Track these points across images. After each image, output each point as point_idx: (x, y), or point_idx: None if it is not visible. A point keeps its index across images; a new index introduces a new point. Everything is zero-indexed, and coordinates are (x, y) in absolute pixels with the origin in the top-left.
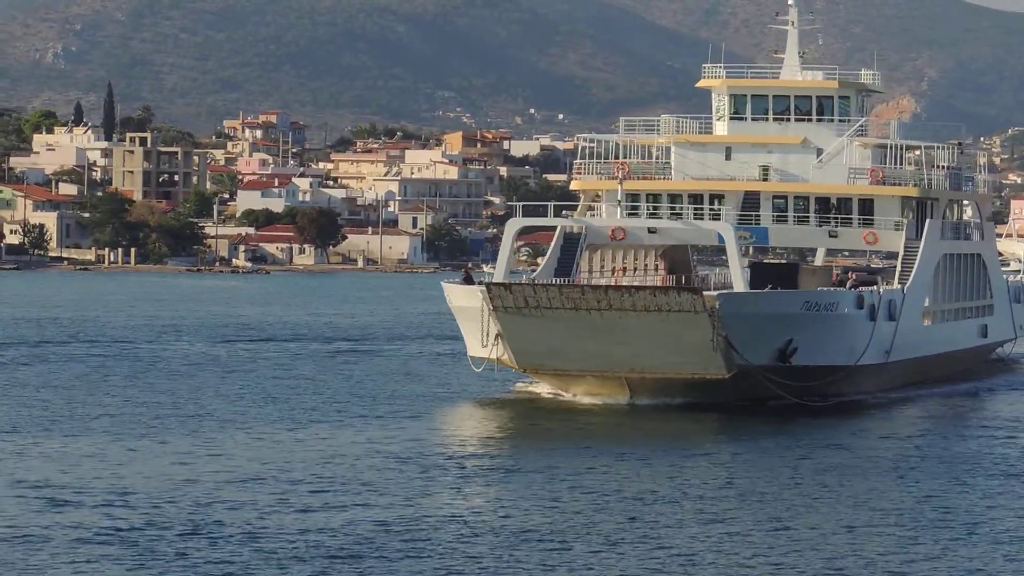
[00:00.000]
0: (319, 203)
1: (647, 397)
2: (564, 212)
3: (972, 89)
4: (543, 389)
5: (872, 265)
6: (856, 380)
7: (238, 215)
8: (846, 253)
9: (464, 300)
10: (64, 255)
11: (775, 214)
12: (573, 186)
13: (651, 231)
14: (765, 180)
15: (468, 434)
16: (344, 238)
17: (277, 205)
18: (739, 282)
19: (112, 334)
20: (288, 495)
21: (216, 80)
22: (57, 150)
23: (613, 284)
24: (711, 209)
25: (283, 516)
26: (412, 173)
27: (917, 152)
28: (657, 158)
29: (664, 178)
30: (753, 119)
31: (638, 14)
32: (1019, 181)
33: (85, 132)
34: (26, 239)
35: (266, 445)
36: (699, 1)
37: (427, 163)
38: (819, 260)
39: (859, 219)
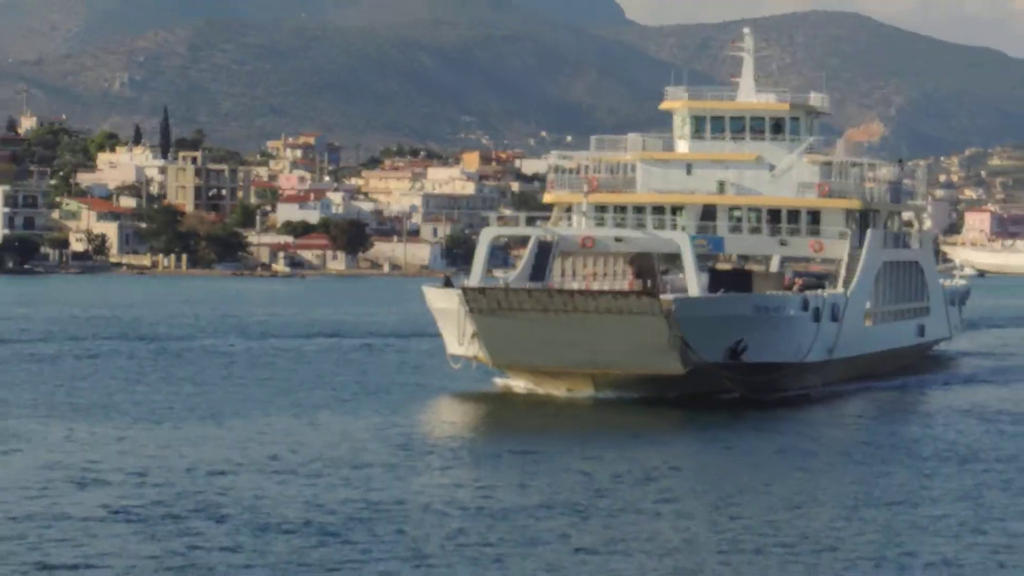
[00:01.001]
0: (350, 215)
1: (610, 392)
2: (538, 222)
3: (934, 115)
4: (518, 384)
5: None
6: (802, 376)
7: (278, 225)
8: (819, 260)
9: (442, 302)
10: (123, 261)
11: (731, 224)
12: (546, 199)
13: (617, 240)
14: (722, 193)
15: (445, 424)
16: (372, 246)
17: (313, 216)
18: (693, 287)
19: (156, 331)
20: (281, 478)
21: (264, 106)
22: (119, 167)
23: (578, 288)
24: (672, 220)
25: (276, 497)
26: (434, 188)
27: (860, 168)
28: (624, 173)
29: (630, 191)
30: (712, 138)
31: (638, 49)
32: (974, 196)
33: (143, 151)
34: (90, 246)
35: (266, 433)
36: (692, 37)
37: (447, 179)
38: (774, 267)
39: (807, 229)
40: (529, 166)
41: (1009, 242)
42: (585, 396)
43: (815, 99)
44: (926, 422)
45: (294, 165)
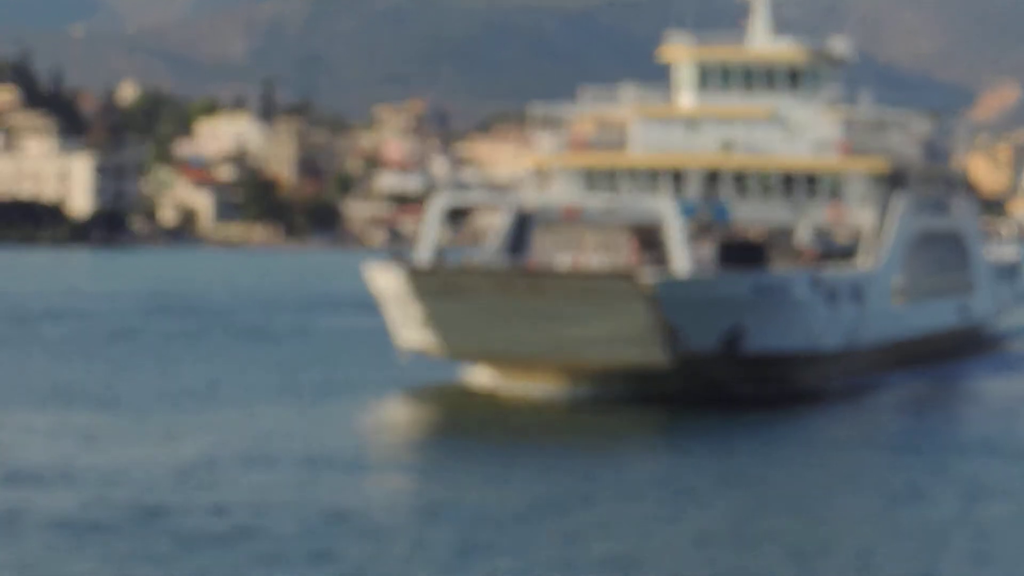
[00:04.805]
0: (454, 183)
1: (587, 387)
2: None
3: None
4: (484, 378)
5: None
6: (816, 367)
7: (380, 195)
8: (839, 230)
9: (386, 283)
10: (214, 233)
11: (737, 189)
12: (524, 160)
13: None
14: (728, 153)
15: (400, 424)
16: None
17: (415, 186)
18: (681, 263)
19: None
20: (230, 476)
21: (383, 73)
22: (218, 136)
23: (542, 266)
24: (673, 185)
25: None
26: None
27: (889, 124)
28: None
29: (622, 151)
30: (719, 90)
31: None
32: None
33: (245, 119)
34: (181, 218)
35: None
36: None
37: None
38: (803, 238)
39: (827, 194)
40: None
41: None
42: (559, 392)
43: (838, 45)
44: (969, 416)
45: (401, 132)
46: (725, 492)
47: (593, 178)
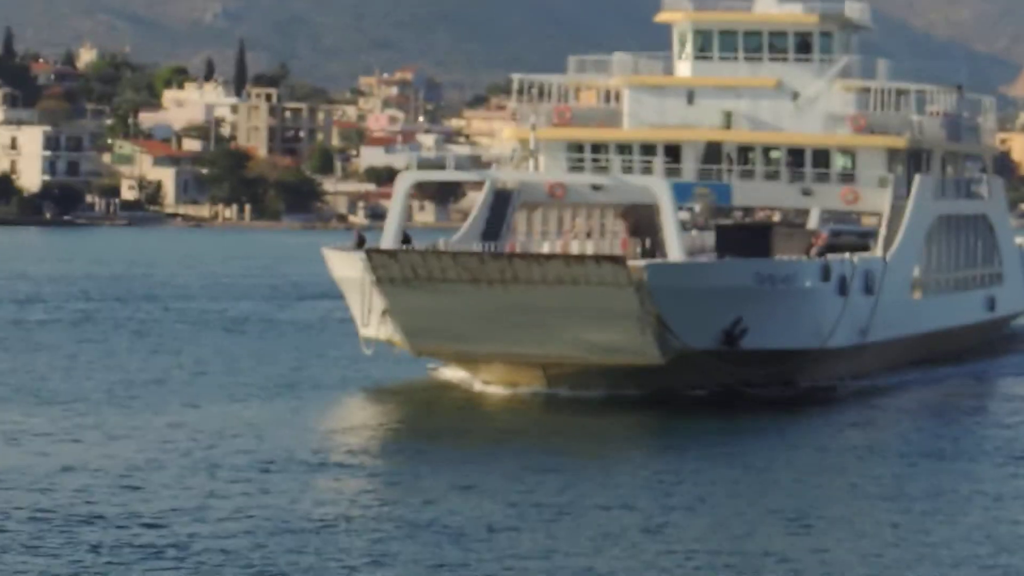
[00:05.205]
0: (443, 160)
1: (570, 386)
2: (494, 166)
3: None
4: (454, 374)
5: None
6: (825, 365)
7: (361, 172)
8: (856, 214)
9: (347, 270)
10: (180, 211)
11: (740, 168)
12: (504, 134)
13: (595, 188)
14: (729, 128)
15: (363, 425)
16: (464, 195)
17: (400, 161)
18: (674, 249)
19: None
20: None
21: (372, 40)
22: (186, 106)
23: (520, 252)
24: (667, 162)
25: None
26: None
27: (908, 96)
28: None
29: (615, 125)
30: (720, 58)
31: None
32: None
33: (215, 88)
34: (142, 195)
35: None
36: None
37: None
38: (813, 222)
39: (839, 174)
40: None
41: None
42: (535, 393)
43: (852, 9)
44: (995, 419)
45: (386, 104)
46: (722, 502)
47: (581, 154)
